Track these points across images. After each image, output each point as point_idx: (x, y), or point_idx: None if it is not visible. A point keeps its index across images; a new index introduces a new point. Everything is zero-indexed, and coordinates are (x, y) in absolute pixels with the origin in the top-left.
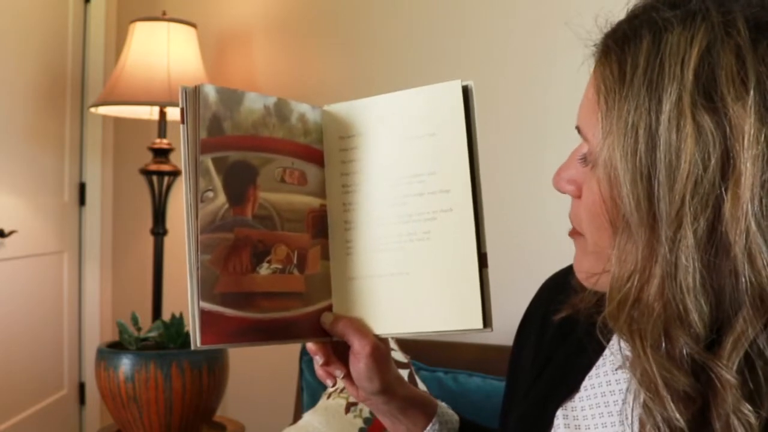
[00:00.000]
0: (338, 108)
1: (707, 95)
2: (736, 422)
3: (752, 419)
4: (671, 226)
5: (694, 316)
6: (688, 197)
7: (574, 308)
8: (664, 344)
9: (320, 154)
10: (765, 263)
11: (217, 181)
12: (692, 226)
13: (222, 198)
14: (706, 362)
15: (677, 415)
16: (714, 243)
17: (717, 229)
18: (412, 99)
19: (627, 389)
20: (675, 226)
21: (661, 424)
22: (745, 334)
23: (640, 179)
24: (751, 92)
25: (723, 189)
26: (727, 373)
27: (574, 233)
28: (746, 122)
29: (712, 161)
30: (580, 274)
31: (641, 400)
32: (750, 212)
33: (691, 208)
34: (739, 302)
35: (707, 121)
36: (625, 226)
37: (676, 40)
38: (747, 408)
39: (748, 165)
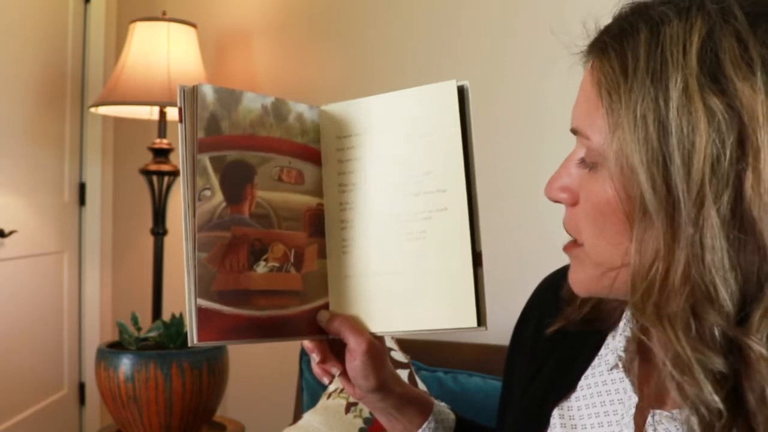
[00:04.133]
0: (335, 108)
1: (714, 78)
2: None
3: None
4: (693, 208)
5: (724, 295)
6: (707, 178)
7: (567, 319)
8: (694, 326)
9: (317, 154)
10: None
11: (215, 180)
12: (715, 205)
13: (219, 197)
14: (737, 338)
15: (715, 397)
16: (738, 220)
17: (740, 206)
18: (408, 99)
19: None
20: (697, 207)
21: (699, 407)
22: None
23: (656, 166)
24: (758, 73)
25: (743, 166)
26: (759, 345)
27: (571, 246)
28: (757, 101)
29: (729, 140)
30: (579, 285)
31: (675, 380)
32: None
33: (712, 188)
34: (766, 276)
35: (716, 104)
36: (642, 216)
37: (675, 30)
38: None
39: (766, 142)
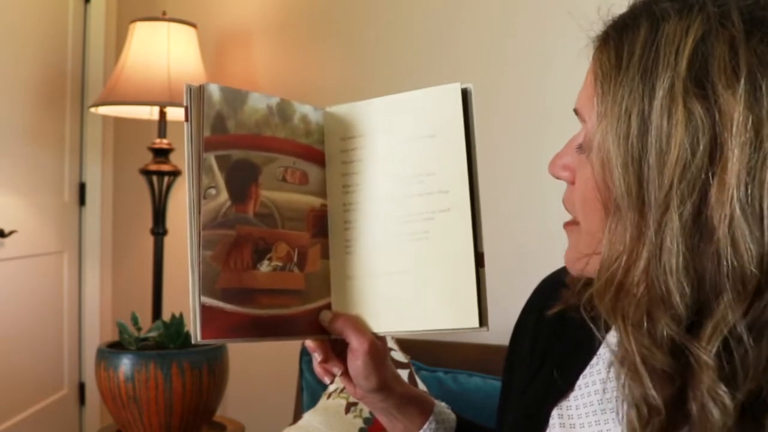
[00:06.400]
0: (340, 109)
1: (699, 83)
2: (711, 404)
3: (727, 401)
4: (658, 210)
5: (676, 298)
6: (676, 182)
7: (566, 303)
8: (645, 324)
9: (321, 155)
10: (747, 247)
11: (220, 179)
12: (678, 209)
13: (224, 195)
14: (685, 344)
15: (653, 393)
16: (699, 227)
17: (702, 213)
18: (412, 101)
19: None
20: (662, 210)
21: (638, 402)
22: (725, 319)
23: (631, 163)
24: (742, 81)
25: (710, 174)
26: (705, 355)
27: (570, 224)
28: (735, 110)
29: (701, 147)
30: (570, 262)
31: (622, 381)
32: (735, 197)
33: (678, 192)
34: (721, 286)
35: (698, 108)
36: (616, 209)
37: (672, 29)
38: (722, 389)
39: (735, 151)
